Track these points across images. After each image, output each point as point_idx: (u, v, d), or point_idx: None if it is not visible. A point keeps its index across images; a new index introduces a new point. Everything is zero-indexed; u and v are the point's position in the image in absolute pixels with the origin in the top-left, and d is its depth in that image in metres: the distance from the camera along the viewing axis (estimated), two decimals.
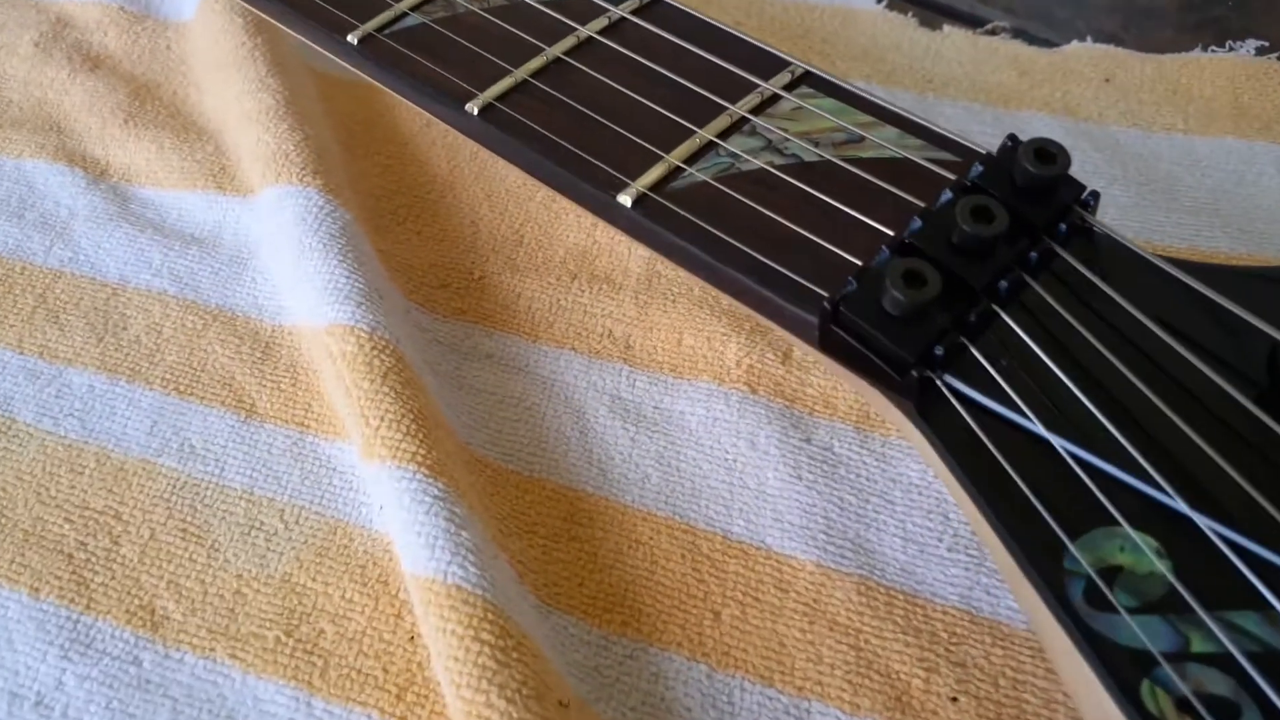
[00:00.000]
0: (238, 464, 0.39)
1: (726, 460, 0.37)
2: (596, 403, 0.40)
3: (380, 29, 0.36)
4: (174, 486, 0.38)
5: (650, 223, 0.29)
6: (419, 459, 0.34)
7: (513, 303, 0.43)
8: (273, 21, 0.38)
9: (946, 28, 0.53)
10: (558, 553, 0.36)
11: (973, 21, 0.54)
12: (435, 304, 0.44)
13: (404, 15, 0.36)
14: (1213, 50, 0.51)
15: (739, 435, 0.38)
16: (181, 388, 0.41)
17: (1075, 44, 0.52)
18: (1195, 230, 0.44)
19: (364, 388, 0.36)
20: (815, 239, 0.27)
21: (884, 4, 0.54)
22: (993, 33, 0.53)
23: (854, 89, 0.32)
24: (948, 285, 0.25)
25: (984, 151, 0.29)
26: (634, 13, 0.35)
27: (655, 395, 0.40)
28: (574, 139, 0.31)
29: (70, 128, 0.53)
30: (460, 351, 0.42)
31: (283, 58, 0.51)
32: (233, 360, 0.42)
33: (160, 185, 0.49)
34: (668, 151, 0.30)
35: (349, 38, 0.35)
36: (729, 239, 0.28)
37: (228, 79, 0.50)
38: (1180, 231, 0.43)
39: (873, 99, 0.31)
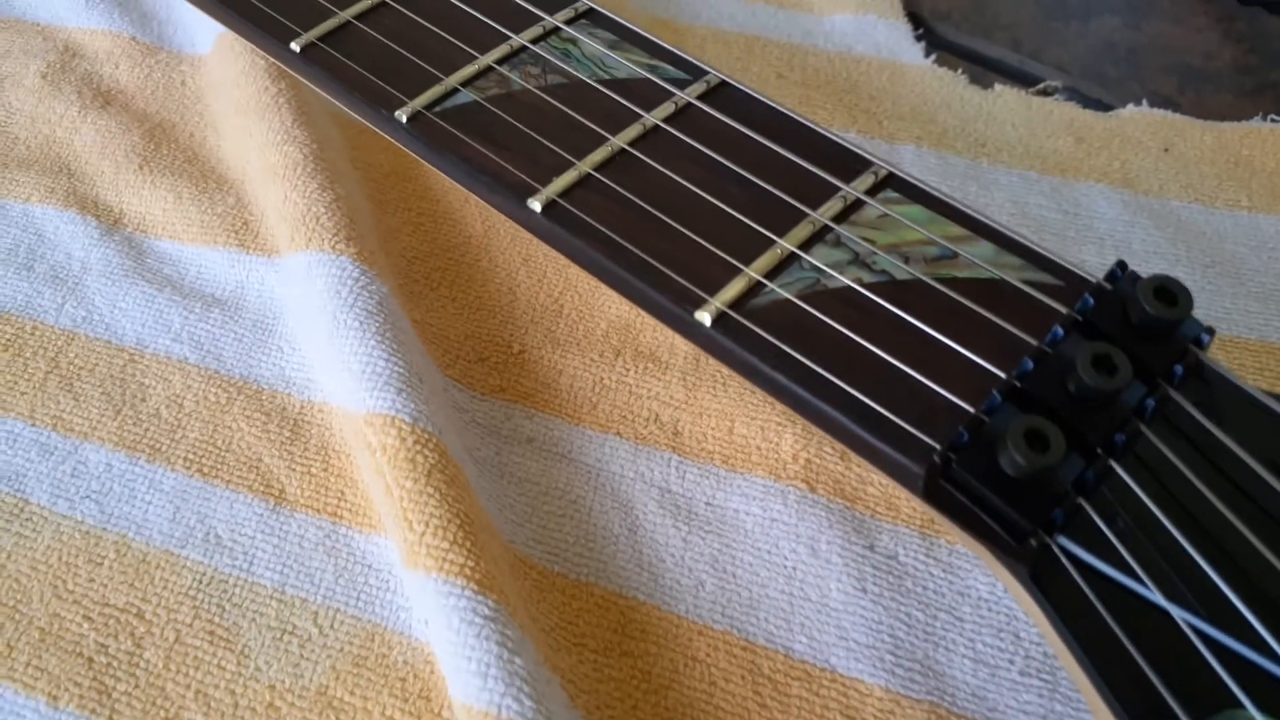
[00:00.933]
0: (267, 558, 0.37)
1: (786, 568, 0.36)
2: (645, 496, 0.38)
3: (430, 105, 0.33)
4: (200, 582, 0.36)
5: (731, 344, 0.27)
6: (467, 572, 0.32)
7: (554, 380, 0.41)
8: (316, 90, 0.36)
9: (998, 86, 0.51)
10: (609, 670, 0.34)
11: (1023, 78, 0.53)
12: (473, 380, 0.42)
13: (455, 91, 0.34)
14: (1273, 120, 0.49)
15: (798, 539, 0.36)
16: (205, 469, 0.39)
17: (1131, 108, 0.50)
18: (1264, 319, 0.42)
19: (406, 487, 0.34)
20: (916, 375, 0.26)
21: (933, 59, 0.52)
22: (1045, 93, 0.51)
23: (942, 195, 0.30)
24: (1066, 439, 0.23)
25: (1092, 280, 0.27)
26: (701, 98, 0.33)
27: (707, 489, 0.38)
28: (646, 244, 0.29)
29: (82, 170, 0.50)
30: (500, 435, 0.40)
31: (307, 104, 0.49)
32: (259, 439, 0.40)
33: (178, 238, 0.47)
34: (748, 263, 0.28)
35: (398, 114, 0.33)
36: (819, 369, 0.26)
37: (249, 127, 0.48)
38: (1249, 321, 0.42)
39: (963, 209, 0.29)
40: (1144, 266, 0.44)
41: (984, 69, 0.53)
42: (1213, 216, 0.46)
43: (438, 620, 0.32)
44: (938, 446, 0.24)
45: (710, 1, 0.56)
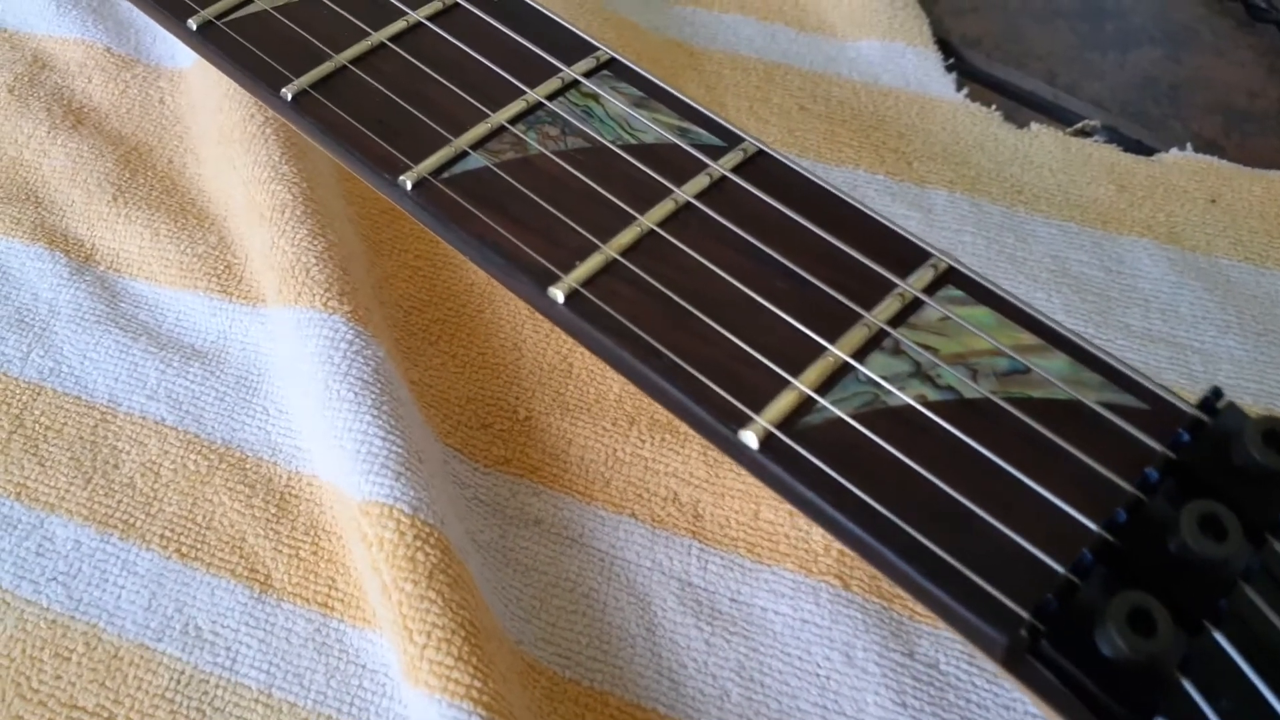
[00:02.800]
0: (252, 654, 0.34)
1: (819, 676, 0.33)
2: (663, 589, 0.35)
3: (438, 171, 0.30)
4: (177, 682, 0.33)
5: (780, 471, 0.24)
6: (474, 694, 0.29)
7: (563, 451, 0.38)
8: (311, 142, 0.32)
9: (1035, 126, 0.48)
10: None
11: (1059, 114, 0.50)
12: (475, 450, 0.38)
13: (464, 154, 0.30)
14: None
15: (832, 644, 0.33)
16: (184, 549, 0.36)
17: (1175, 153, 0.47)
18: None
19: (406, 590, 0.31)
20: (993, 521, 0.23)
21: (965, 92, 0.49)
22: (1084, 133, 0.48)
23: (1009, 296, 0.27)
24: (1170, 611, 0.21)
25: (1186, 410, 0.24)
26: (737, 170, 0.30)
27: (731, 583, 0.35)
28: (681, 347, 0.26)
29: (50, 199, 0.47)
30: (505, 514, 0.37)
31: (296, 135, 0.45)
32: (243, 516, 0.37)
33: (155, 280, 0.44)
34: (796, 374, 0.25)
35: (402, 180, 0.30)
36: (882, 508, 0.23)
37: (233, 158, 0.44)
38: None
39: (1034, 313, 0.26)
40: (1193, 333, 0.41)
41: (1017, 103, 0.50)
42: (1264, 278, 0.43)
43: None
44: (1024, 615, 0.21)
45: (727, 23, 0.53)
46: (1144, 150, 0.48)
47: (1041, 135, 0.48)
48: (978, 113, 0.48)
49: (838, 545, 0.35)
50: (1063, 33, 0.53)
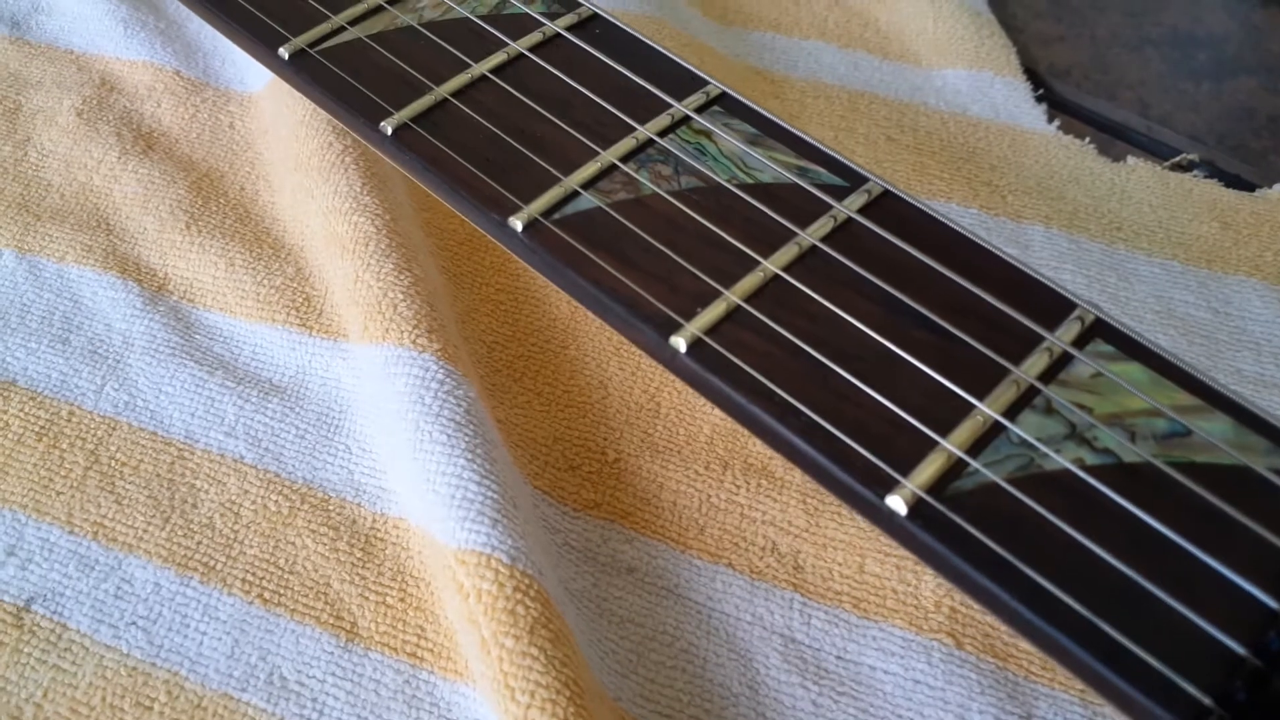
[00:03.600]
0: (340, 705, 0.32)
1: None
2: (766, 645, 0.33)
3: (548, 212, 0.29)
4: None
5: (932, 539, 0.23)
6: None
7: (654, 496, 0.37)
8: (397, 174, 0.31)
9: (1131, 160, 0.46)
10: None
11: (1154, 148, 0.48)
12: (564, 493, 0.37)
13: (575, 194, 0.29)
14: None
15: (946, 706, 0.32)
16: (267, 595, 0.35)
17: (1279, 189, 0.45)
18: None
19: (507, 646, 0.30)
20: (1167, 598, 0.21)
21: (1056, 124, 0.48)
22: (1182, 167, 0.47)
23: (1162, 351, 0.25)
24: None
25: None
26: (863, 211, 0.28)
27: (837, 640, 0.33)
28: (816, 402, 0.25)
29: (122, 227, 0.46)
30: (598, 561, 0.35)
31: (375, 162, 0.44)
32: (327, 560, 0.35)
33: (231, 312, 0.43)
34: (945, 434, 0.24)
35: (511, 222, 0.29)
36: (1045, 582, 0.22)
37: (311, 187, 0.44)
38: None
39: (1191, 371, 0.25)
40: None
41: (1110, 136, 0.48)
42: None
43: None
44: (1209, 704, 0.20)
45: (808, 50, 0.52)
46: (1244, 185, 0.46)
47: (1139, 169, 0.46)
48: (1071, 145, 0.47)
49: (949, 601, 0.33)
50: (1154, 62, 0.51)
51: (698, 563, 0.35)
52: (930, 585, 0.34)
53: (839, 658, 0.33)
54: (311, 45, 0.34)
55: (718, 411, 0.39)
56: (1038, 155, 0.47)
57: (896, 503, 0.23)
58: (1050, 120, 0.48)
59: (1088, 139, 0.47)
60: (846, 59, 0.51)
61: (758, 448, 0.38)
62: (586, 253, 0.28)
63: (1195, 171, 0.46)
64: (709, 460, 0.38)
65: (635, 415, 0.39)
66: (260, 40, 0.35)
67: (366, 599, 0.34)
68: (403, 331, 0.37)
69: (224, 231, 0.45)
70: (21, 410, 0.40)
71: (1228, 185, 0.46)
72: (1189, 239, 0.44)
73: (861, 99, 0.49)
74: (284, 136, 0.47)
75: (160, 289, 0.44)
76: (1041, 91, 0.49)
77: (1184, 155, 0.47)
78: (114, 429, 0.39)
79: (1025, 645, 0.33)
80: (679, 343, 0.26)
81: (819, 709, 0.32)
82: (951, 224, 0.28)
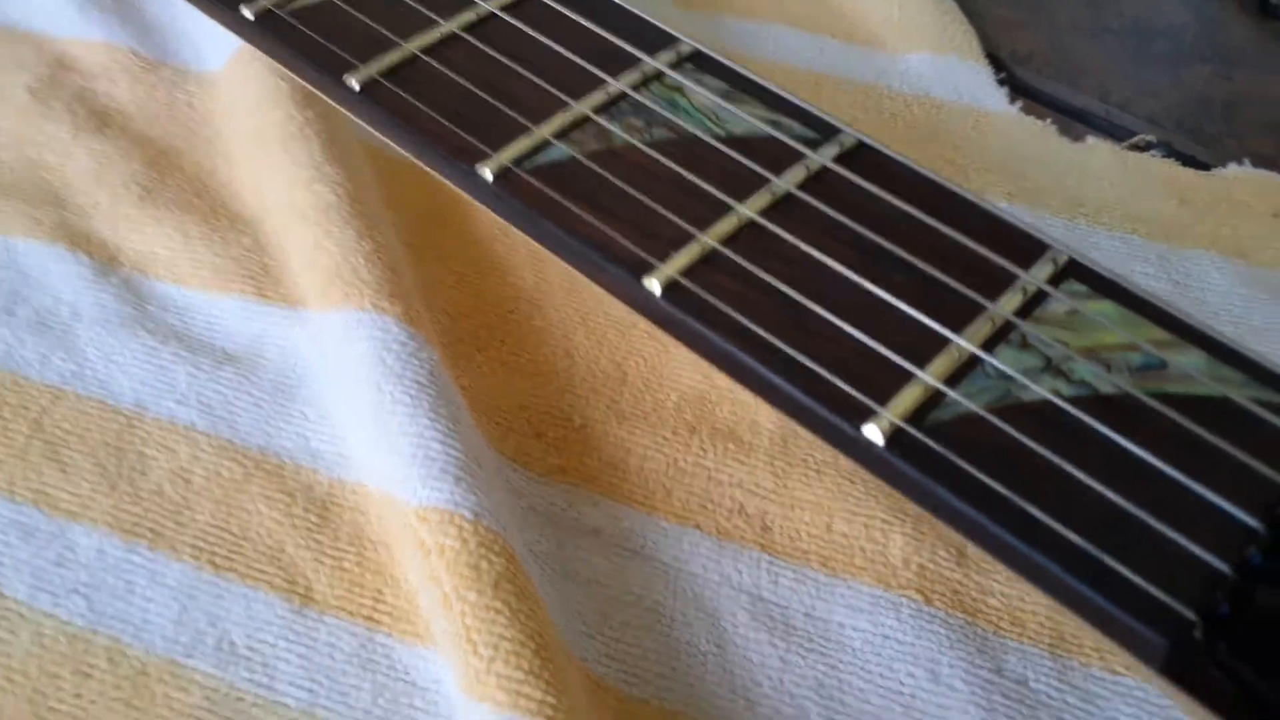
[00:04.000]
0: (292, 670, 0.31)
1: (903, 695, 0.31)
2: (733, 604, 0.33)
3: (519, 160, 0.28)
4: (211, 700, 0.31)
5: (910, 468, 0.22)
6: (548, 710, 0.27)
7: (621, 461, 0.36)
8: (384, 140, 0.30)
9: (1090, 139, 0.47)
10: None
11: (1113, 131, 0.49)
12: (529, 458, 0.36)
13: (546, 144, 0.29)
14: None
15: (916, 661, 0.31)
16: (218, 560, 0.34)
17: (1234, 168, 0.46)
18: None
19: (470, 600, 0.29)
20: (1150, 520, 0.21)
21: (1019, 106, 0.48)
22: (1139, 147, 0.47)
23: (1136, 289, 0.25)
24: None
25: None
26: (838, 161, 0.28)
27: (805, 598, 0.33)
28: (793, 338, 0.24)
29: (73, 201, 0.45)
30: (562, 525, 0.35)
31: (337, 134, 0.43)
32: (281, 525, 0.34)
33: (185, 283, 0.41)
34: (922, 366, 0.23)
35: (480, 169, 0.28)
36: (1029, 506, 0.21)
37: (270, 159, 0.43)
38: None
39: (1165, 307, 0.25)
40: (1267, 346, 0.40)
41: (1070, 119, 0.49)
42: None
43: None
44: (1192, 617, 0.20)
45: (772, 34, 0.52)
46: (1200, 166, 0.47)
47: (1098, 149, 0.47)
48: (1033, 126, 0.47)
49: (917, 559, 0.33)
50: (1113, 50, 0.52)
51: (665, 524, 0.35)
52: (899, 543, 0.33)
53: (807, 615, 0.32)
54: (278, 5, 0.34)
55: (685, 378, 0.39)
56: (1000, 135, 0.47)
57: (873, 432, 0.23)
58: (1012, 103, 0.48)
59: (1049, 120, 0.48)
60: (811, 43, 0.51)
61: (725, 412, 0.37)
62: (559, 199, 0.28)
63: (1152, 152, 0.47)
64: (676, 425, 0.37)
65: (602, 383, 0.38)
66: (224, 2, 0.34)
67: (322, 563, 0.33)
68: (364, 295, 0.36)
69: (180, 205, 0.44)
70: None
71: (1184, 166, 0.46)
72: (1148, 215, 0.44)
73: (826, 81, 0.49)
74: (244, 111, 0.46)
75: (111, 261, 0.42)
76: (1003, 76, 0.50)
77: (1141, 136, 0.48)
78: (59, 398, 0.38)
79: (994, 602, 0.33)
80: (654, 285, 0.26)
81: (787, 665, 0.31)
82: (926, 172, 0.28)
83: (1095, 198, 0.45)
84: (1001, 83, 0.49)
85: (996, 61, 0.51)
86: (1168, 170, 0.46)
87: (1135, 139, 0.48)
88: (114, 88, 0.50)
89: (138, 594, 0.33)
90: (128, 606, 0.33)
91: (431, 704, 0.31)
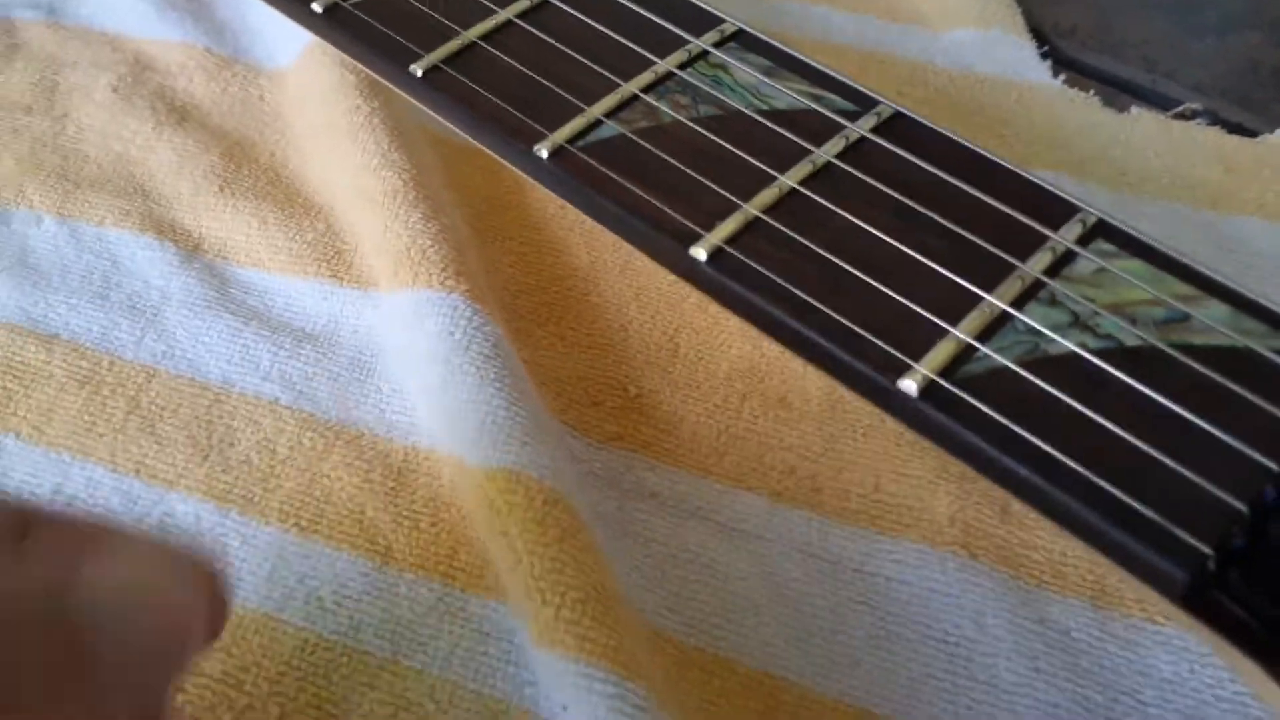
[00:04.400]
0: (375, 623, 0.34)
1: (949, 644, 0.32)
2: (786, 560, 0.35)
3: (573, 139, 0.30)
4: (303, 649, 0.33)
5: (945, 418, 0.24)
6: (610, 654, 0.29)
7: (675, 428, 0.38)
8: (452, 128, 0.32)
9: (1135, 109, 0.48)
10: None
11: (1159, 100, 0.49)
12: (588, 426, 0.38)
13: (598, 123, 0.31)
14: None
15: (962, 612, 0.33)
16: (304, 524, 0.36)
17: None
18: None
19: (538, 554, 0.31)
20: (1170, 463, 0.22)
21: (1062, 79, 0.49)
22: (1184, 116, 0.48)
23: (1163, 247, 0.26)
24: None
25: None
26: (875, 131, 0.30)
27: (855, 555, 0.35)
28: (832, 300, 0.26)
29: (158, 192, 0.48)
30: (622, 488, 0.37)
31: (401, 123, 0.46)
32: (361, 490, 0.37)
33: (264, 267, 0.44)
34: (955, 323, 0.25)
35: (537, 149, 0.30)
36: (1055, 452, 0.23)
37: (339, 148, 0.45)
38: None
39: (1190, 263, 0.26)
40: None
41: (1116, 90, 0.49)
42: None
43: (581, 709, 0.29)
44: (1207, 551, 0.21)
45: (817, 14, 0.53)
46: (1248, 133, 0.47)
47: (1143, 119, 0.47)
48: (1077, 98, 0.48)
49: (963, 516, 0.35)
50: (1158, 20, 0.52)
51: (718, 487, 0.36)
52: (944, 502, 0.35)
53: (857, 571, 0.34)
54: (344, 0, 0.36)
55: (735, 349, 0.40)
56: (1044, 108, 0.48)
57: (908, 385, 0.24)
58: (1055, 76, 0.49)
59: (1092, 91, 0.48)
60: (855, 22, 0.52)
61: (774, 381, 0.39)
62: (610, 174, 0.29)
63: (1198, 120, 0.47)
64: (727, 394, 0.39)
65: (655, 355, 0.40)
66: None
67: (400, 525, 0.36)
68: (431, 275, 0.39)
69: (256, 194, 0.47)
70: (65, 361, 0.41)
71: (1230, 133, 0.47)
72: (1194, 182, 0.45)
73: (871, 58, 0.50)
74: (313, 104, 0.48)
75: (195, 248, 0.45)
76: (1046, 49, 0.51)
77: (1187, 105, 0.48)
78: (153, 376, 0.41)
79: (1037, 557, 0.34)
80: (699, 253, 0.27)
81: (839, 618, 0.33)
82: (960, 139, 0.29)
83: (1140, 167, 0.45)
84: (1045, 56, 0.50)
85: (1040, 36, 0.51)
86: (1213, 138, 0.46)
87: (1181, 108, 0.48)
88: (191, 84, 0.52)
89: (233, 555, 0.36)
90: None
91: (505, 653, 0.33)
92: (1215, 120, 0.48)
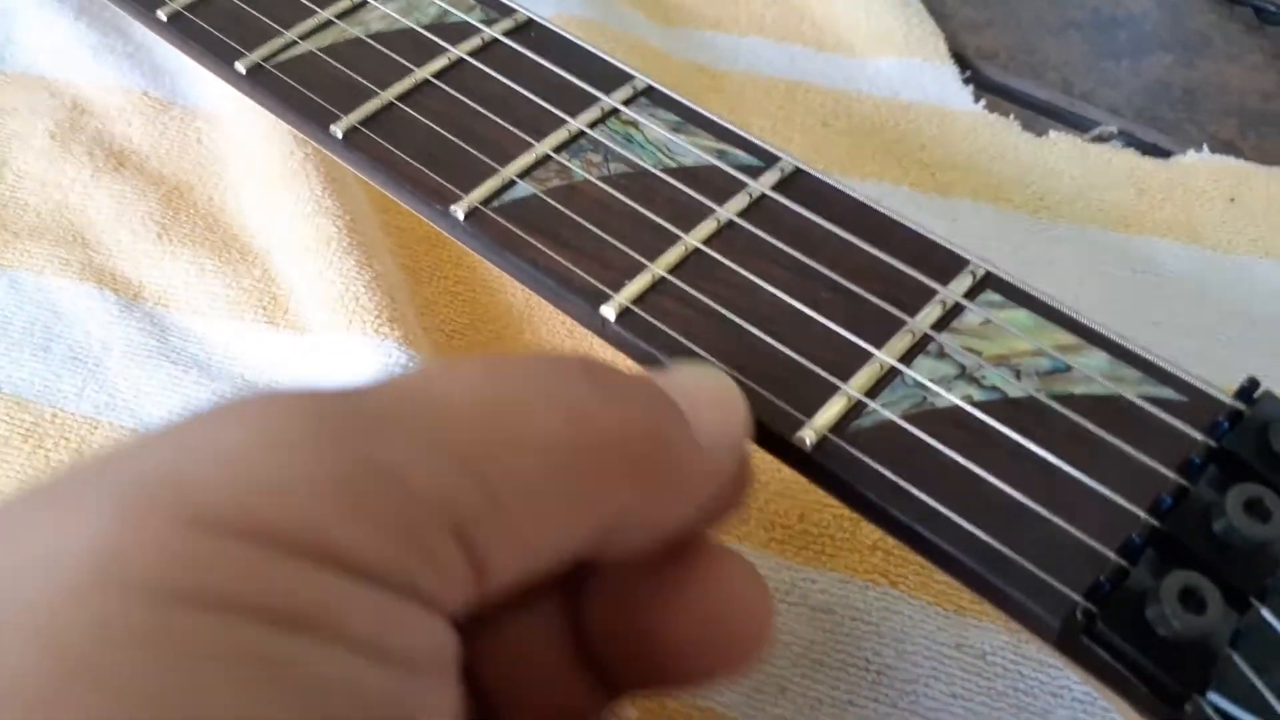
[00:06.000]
0: None
1: (871, 671, 0.34)
2: None
3: (488, 200, 0.31)
4: None
5: (836, 470, 0.25)
6: None
7: None
8: (368, 181, 0.33)
9: (1053, 134, 0.49)
10: None
11: (1077, 122, 0.51)
12: None
13: (512, 183, 0.32)
14: None
15: (882, 639, 0.34)
16: None
17: (1193, 155, 0.48)
18: None
19: None
20: (1044, 512, 0.24)
21: (983, 103, 0.50)
22: (1101, 139, 0.49)
23: (1046, 298, 0.28)
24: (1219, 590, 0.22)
25: (1224, 400, 0.25)
26: (776, 188, 0.31)
27: (781, 585, 0.36)
28: (731, 358, 0.27)
29: (97, 240, 0.48)
30: None
31: (336, 168, 0.46)
32: None
33: (203, 314, 0.45)
34: (846, 379, 0.26)
35: (453, 210, 0.31)
36: (936, 504, 0.24)
37: (274, 195, 0.46)
38: None
39: (1071, 314, 0.27)
40: (1218, 329, 0.42)
41: (1035, 113, 0.51)
42: None
43: None
44: (1078, 598, 0.22)
45: (747, 46, 0.54)
46: (1161, 153, 0.49)
47: (1060, 143, 0.49)
48: (996, 123, 0.49)
49: (884, 544, 0.36)
50: (1076, 43, 0.54)
51: None
52: (866, 530, 0.36)
53: (782, 600, 0.35)
54: (266, 59, 0.37)
55: None
56: (965, 133, 0.49)
57: (802, 439, 0.25)
58: (977, 100, 0.51)
59: (1012, 116, 0.50)
60: (783, 53, 0.53)
61: None
62: (523, 235, 0.30)
63: (1114, 142, 0.49)
64: None
65: None
66: (219, 57, 0.37)
67: None
68: (365, 321, 0.40)
69: (194, 240, 0.47)
70: (7, 414, 0.42)
71: (1145, 154, 0.48)
72: (1108, 205, 0.46)
73: (798, 89, 0.52)
74: (249, 148, 0.49)
75: (135, 296, 0.46)
76: (969, 74, 0.52)
77: (1104, 127, 0.50)
78: (96, 428, 0.42)
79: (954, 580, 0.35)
80: (608, 312, 0.28)
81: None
82: (856, 195, 0.31)
83: (1057, 191, 0.47)
84: (967, 81, 0.51)
85: (963, 60, 0.53)
86: (1127, 160, 0.48)
87: (1098, 130, 0.50)
88: (129, 128, 0.53)
89: None
90: None
91: None
92: (1131, 142, 0.49)
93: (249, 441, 0.18)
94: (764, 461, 0.38)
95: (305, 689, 0.15)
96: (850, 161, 0.48)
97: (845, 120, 0.50)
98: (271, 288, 0.45)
